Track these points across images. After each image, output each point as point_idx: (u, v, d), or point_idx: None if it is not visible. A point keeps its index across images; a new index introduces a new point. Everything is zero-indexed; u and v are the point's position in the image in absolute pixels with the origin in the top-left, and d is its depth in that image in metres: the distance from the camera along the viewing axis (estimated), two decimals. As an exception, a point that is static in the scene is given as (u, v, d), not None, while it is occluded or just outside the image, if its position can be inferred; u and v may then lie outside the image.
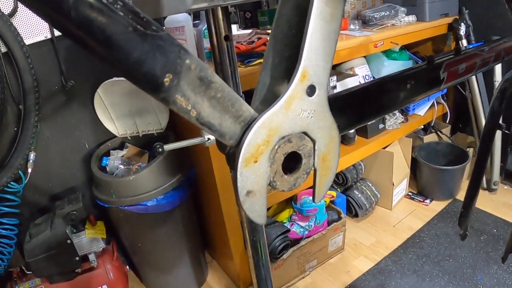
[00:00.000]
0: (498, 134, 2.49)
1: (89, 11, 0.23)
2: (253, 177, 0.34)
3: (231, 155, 0.41)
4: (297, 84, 0.34)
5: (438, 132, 2.79)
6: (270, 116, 0.33)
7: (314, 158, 0.38)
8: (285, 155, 0.36)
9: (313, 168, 0.39)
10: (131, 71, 0.26)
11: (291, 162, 0.37)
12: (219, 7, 0.78)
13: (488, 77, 2.49)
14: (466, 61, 0.52)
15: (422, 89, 0.49)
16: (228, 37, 0.86)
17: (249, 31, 1.66)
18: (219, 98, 0.32)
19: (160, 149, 0.85)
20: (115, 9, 0.24)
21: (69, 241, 1.66)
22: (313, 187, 0.40)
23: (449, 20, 2.43)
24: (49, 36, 1.72)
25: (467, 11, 2.42)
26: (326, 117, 0.37)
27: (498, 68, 2.43)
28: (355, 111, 0.44)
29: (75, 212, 1.68)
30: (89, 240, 1.74)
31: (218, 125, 0.33)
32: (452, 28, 2.45)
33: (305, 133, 0.37)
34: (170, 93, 0.29)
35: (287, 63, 0.42)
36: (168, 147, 0.84)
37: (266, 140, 0.34)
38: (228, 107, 0.33)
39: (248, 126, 0.34)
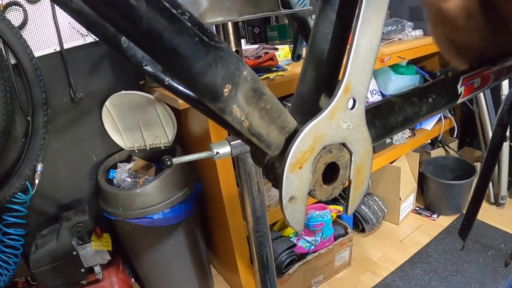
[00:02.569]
0: (507, 148, 2.48)
1: (160, 21, 0.24)
2: (297, 183, 0.35)
3: (271, 165, 0.42)
4: (341, 96, 0.36)
5: (446, 147, 2.77)
6: (316, 124, 0.34)
7: (350, 170, 0.39)
8: (325, 165, 0.37)
9: (347, 180, 0.40)
10: (193, 80, 0.27)
11: (328, 173, 0.38)
12: (230, 22, 0.78)
13: (495, 91, 2.48)
14: (480, 75, 0.53)
15: (442, 103, 0.50)
16: (238, 52, 0.86)
17: (256, 46, 1.66)
18: (268, 109, 0.33)
19: (168, 162, 0.85)
20: (183, 19, 0.24)
21: (74, 253, 1.66)
22: (346, 199, 0.41)
23: (456, 34, 2.41)
24: (58, 48, 1.73)
25: (474, 25, 2.41)
26: (363, 131, 0.39)
27: (505, 82, 2.41)
28: (383, 123, 0.46)
29: (81, 224, 1.68)
30: (95, 252, 1.73)
31: (266, 135, 0.34)
32: (459, 42, 2.44)
33: (344, 145, 0.38)
34: (228, 103, 0.29)
35: (325, 78, 0.43)
36: (177, 160, 0.84)
37: (311, 147, 0.35)
38: (275, 118, 0.34)
39: (291, 136, 0.35)
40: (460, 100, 0.52)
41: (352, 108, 0.37)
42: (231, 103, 0.29)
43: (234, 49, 0.84)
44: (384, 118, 0.45)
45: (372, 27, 0.36)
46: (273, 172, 0.42)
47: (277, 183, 0.37)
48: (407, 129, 2.45)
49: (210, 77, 0.27)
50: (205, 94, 0.28)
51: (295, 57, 0.99)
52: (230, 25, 0.79)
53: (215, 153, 0.81)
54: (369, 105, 0.42)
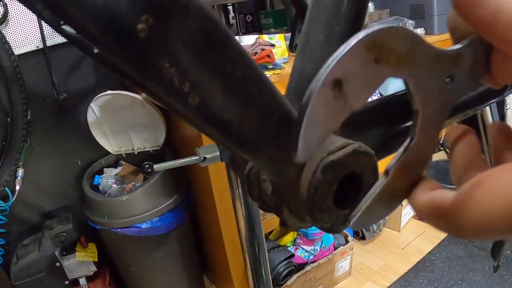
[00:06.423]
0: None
1: None
2: (362, 72, 0.22)
3: (254, 176, 0.28)
4: None
5: (447, 150, 2.70)
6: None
7: (397, 162, 0.27)
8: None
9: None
10: (82, 9, 0.14)
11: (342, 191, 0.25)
12: (216, 5, 0.67)
13: (500, 92, 2.41)
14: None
15: (488, 94, 0.39)
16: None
17: (251, 41, 1.58)
18: (238, 78, 0.20)
19: (149, 170, 0.74)
20: None
21: (58, 264, 1.58)
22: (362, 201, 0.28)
23: (458, 33, 2.35)
24: (41, 46, 1.64)
25: (477, 23, 2.34)
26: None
27: None
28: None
29: (64, 233, 1.60)
30: (80, 263, 1.64)
31: (236, 126, 0.21)
32: (462, 41, 2.37)
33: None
34: (149, 55, 0.17)
35: (337, 40, 0.28)
36: (159, 167, 0.73)
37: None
38: (253, 97, 0.21)
39: (285, 128, 0.22)
40: (506, 93, 0.41)
41: None
42: (156, 55, 0.17)
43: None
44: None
45: None
46: (259, 186, 0.28)
47: (264, 203, 0.25)
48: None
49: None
50: (103, 35, 0.15)
51: (293, 47, 0.88)
52: (217, 9, 0.68)
53: (201, 158, 0.70)
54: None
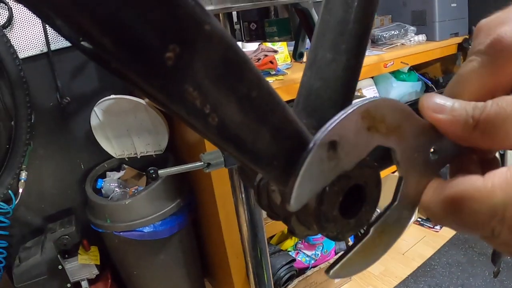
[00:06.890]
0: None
1: None
2: (355, 137, 0.24)
3: (264, 187, 0.30)
4: None
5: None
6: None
7: (378, 221, 0.28)
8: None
9: (365, 226, 0.28)
10: (108, 29, 0.15)
11: (349, 202, 0.27)
12: (221, 14, 0.68)
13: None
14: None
15: None
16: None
17: (254, 47, 1.58)
18: (254, 98, 0.21)
19: (154, 175, 0.75)
20: None
21: (60, 267, 1.59)
22: (343, 254, 0.29)
23: (459, 40, 2.36)
24: (45, 49, 1.65)
25: (478, 30, 2.35)
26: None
27: None
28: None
29: (67, 236, 1.60)
30: (82, 266, 1.65)
31: (250, 143, 0.22)
32: (462, 48, 2.38)
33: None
34: (175, 81, 0.18)
35: (343, 58, 0.29)
36: (163, 172, 0.75)
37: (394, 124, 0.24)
38: (267, 115, 0.22)
39: (295, 147, 0.24)
40: None
41: None
42: (182, 81, 0.18)
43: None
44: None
45: None
46: (268, 196, 0.29)
47: (273, 212, 0.26)
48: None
49: (139, 29, 0.16)
50: (132, 63, 0.16)
51: (297, 55, 0.89)
52: (222, 17, 0.69)
53: (205, 164, 0.71)
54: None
